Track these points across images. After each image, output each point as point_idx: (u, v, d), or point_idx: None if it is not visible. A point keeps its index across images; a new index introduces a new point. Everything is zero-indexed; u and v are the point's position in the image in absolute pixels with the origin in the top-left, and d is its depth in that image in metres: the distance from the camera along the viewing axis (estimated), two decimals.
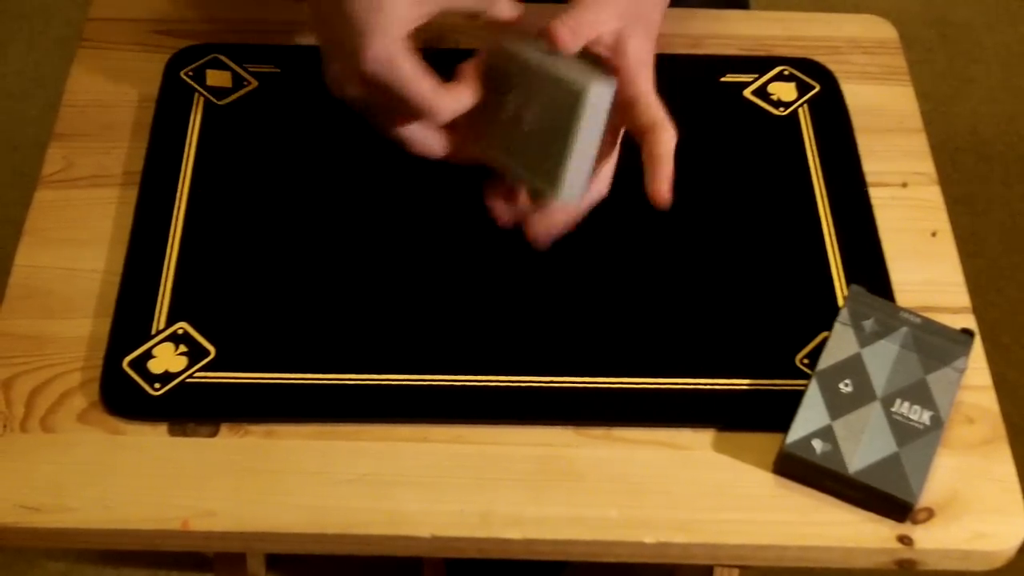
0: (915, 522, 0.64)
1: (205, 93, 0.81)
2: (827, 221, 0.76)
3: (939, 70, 1.85)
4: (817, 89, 0.84)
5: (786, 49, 0.86)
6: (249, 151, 0.78)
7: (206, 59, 0.83)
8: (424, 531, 0.63)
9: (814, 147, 0.80)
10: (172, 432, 0.66)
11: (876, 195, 0.78)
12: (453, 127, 0.69)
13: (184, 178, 0.76)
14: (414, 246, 0.73)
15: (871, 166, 0.80)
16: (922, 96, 0.85)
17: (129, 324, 0.70)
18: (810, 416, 0.65)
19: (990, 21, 1.92)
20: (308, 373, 0.68)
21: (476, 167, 0.71)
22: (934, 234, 0.76)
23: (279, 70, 0.83)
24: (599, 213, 0.75)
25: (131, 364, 0.68)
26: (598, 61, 0.67)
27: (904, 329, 0.68)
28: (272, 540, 0.64)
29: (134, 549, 0.65)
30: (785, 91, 0.83)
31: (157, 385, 0.67)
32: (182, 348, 0.69)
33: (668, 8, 0.88)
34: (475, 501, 0.64)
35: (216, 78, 0.82)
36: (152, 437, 0.65)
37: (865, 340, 0.67)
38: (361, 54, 0.65)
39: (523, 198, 0.71)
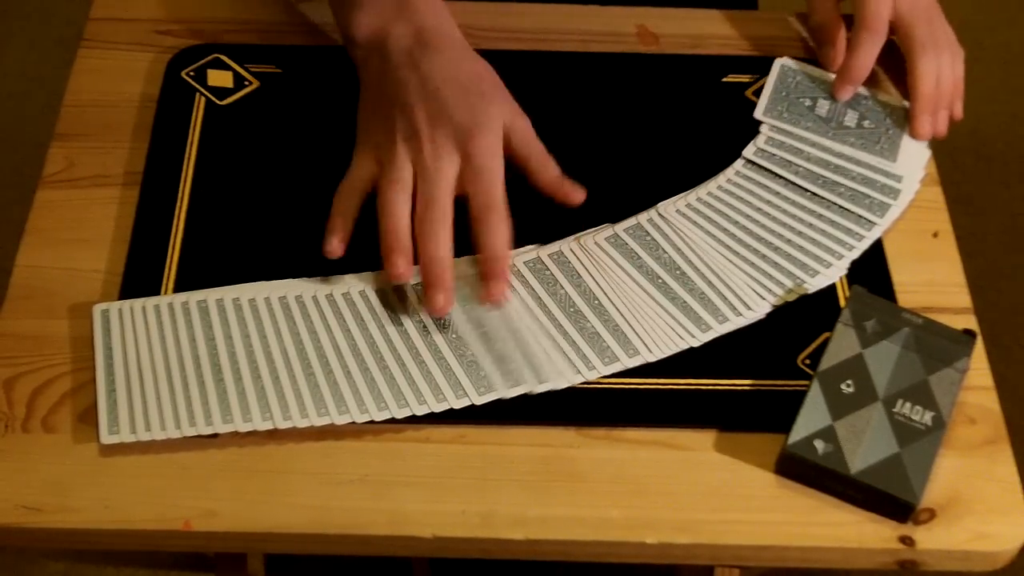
0: (917, 523, 0.64)
1: (206, 93, 0.81)
2: None
3: None
4: None
5: (787, 49, 0.85)
6: (250, 151, 0.78)
7: (207, 59, 0.83)
8: (426, 531, 0.63)
9: None
10: None
11: None
12: None
13: (185, 178, 0.76)
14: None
15: None
16: None
17: None
18: (812, 416, 0.65)
19: (990, 21, 1.92)
20: None
21: None
22: (935, 235, 0.76)
23: (280, 70, 0.82)
24: (596, 214, 0.75)
25: None
26: None
27: (906, 330, 0.68)
28: (274, 540, 0.63)
29: (135, 549, 0.65)
30: None
31: None
32: None
33: (668, 8, 0.88)
34: (477, 502, 0.64)
35: (217, 78, 0.82)
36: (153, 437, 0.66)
37: (867, 341, 0.67)
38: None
39: None
